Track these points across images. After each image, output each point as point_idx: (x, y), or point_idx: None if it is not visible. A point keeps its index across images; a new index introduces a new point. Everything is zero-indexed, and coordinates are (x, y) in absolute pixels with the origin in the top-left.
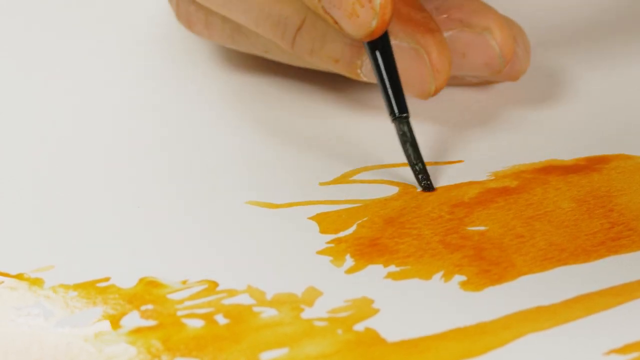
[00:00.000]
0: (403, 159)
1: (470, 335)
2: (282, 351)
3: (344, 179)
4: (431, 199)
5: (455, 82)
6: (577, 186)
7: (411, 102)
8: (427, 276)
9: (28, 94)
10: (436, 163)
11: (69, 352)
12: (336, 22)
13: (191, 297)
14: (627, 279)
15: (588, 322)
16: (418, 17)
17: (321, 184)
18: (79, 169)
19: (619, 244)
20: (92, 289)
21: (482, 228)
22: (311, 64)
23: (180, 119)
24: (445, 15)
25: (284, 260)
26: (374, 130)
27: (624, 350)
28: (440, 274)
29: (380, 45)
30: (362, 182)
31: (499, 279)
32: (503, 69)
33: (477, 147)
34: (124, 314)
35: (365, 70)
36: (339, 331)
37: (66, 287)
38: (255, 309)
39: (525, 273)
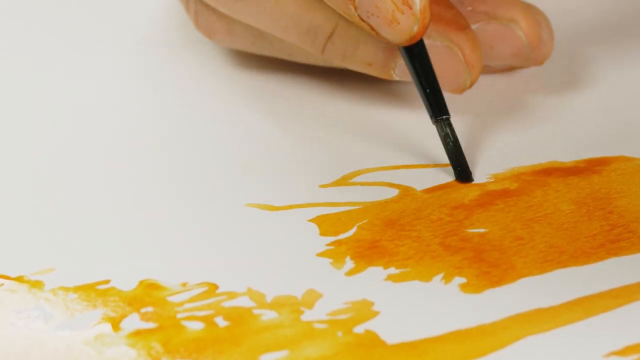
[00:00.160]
0: (403, 161)
1: (470, 337)
2: (282, 353)
3: (343, 181)
4: (431, 201)
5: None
6: (577, 188)
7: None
8: (427, 278)
9: (28, 94)
10: (435, 165)
11: (69, 355)
12: (373, 29)
13: (191, 300)
14: (626, 281)
15: (588, 324)
16: (448, 15)
17: (321, 186)
18: (78, 169)
19: (618, 246)
20: (92, 292)
21: (482, 230)
22: (339, 66)
23: (180, 119)
24: (469, 8)
25: (284, 262)
26: (374, 132)
27: (623, 352)
28: (440, 276)
29: (415, 47)
30: (362, 184)
31: (498, 281)
32: (530, 56)
33: (478, 148)
34: (124, 316)
35: (398, 71)
36: (339, 333)
37: (66, 289)
38: (255, 311)
39: (525, 275)
